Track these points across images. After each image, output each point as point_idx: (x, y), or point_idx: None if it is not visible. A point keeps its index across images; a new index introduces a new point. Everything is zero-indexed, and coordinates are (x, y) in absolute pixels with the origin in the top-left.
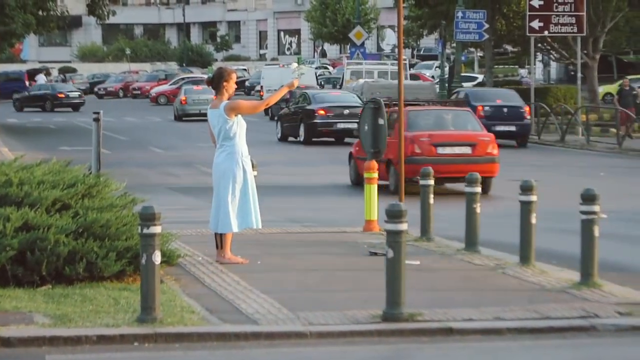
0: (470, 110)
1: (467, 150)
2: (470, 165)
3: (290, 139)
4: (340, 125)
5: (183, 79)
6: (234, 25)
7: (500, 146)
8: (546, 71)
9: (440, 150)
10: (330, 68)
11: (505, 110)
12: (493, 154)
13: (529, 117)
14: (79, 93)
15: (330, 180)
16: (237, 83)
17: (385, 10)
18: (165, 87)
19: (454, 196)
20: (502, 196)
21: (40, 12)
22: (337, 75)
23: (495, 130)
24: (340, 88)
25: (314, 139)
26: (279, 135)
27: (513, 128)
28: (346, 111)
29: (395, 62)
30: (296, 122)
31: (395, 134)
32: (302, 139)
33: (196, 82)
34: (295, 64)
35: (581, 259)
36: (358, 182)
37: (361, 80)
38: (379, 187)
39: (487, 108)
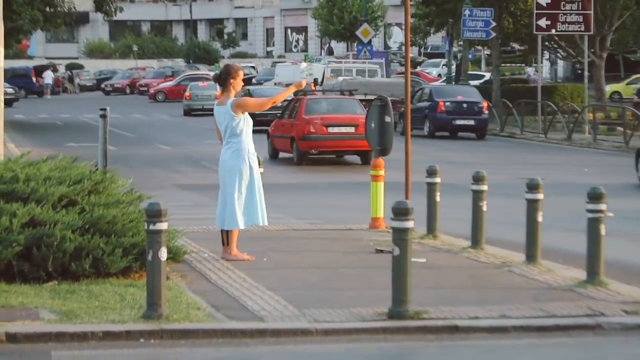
0: (355, 98)
1: (350, 129)
2: (352, 141)
3: None
4: (271, 117)
5: (187, 76)
6: (241, 22)
7: (462, 139)
8: (553, 69)
9: (330, 129)
10: None
11: (464, 105)
12: None
13: (486, 112)
14: (13, 90)
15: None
16: (244, 80)
17: (393, 7)
18: (163, 85)
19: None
20: (508, 194)
21: (47, 9)
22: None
23: (455, 124)
24: (321, 85)
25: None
26: None
27: (472, 122)
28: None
29: (373, 61)
30: None
31: (298, 117)
32: None
33: (196, 79)
34: (305, 64)
35: (587, 258)
36: (274, 156)
37: (340, 78)
38: (284, 159)
39: (447, 103)
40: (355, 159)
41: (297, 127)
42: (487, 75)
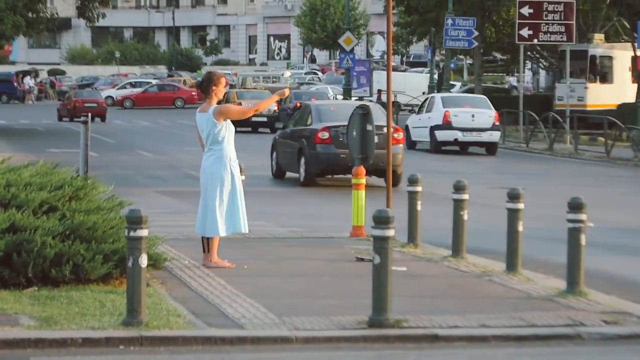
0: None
1: (94, 105)
2: (95, 110)
3: None
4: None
5: (130, 82)
6: (224, 29)
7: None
8: (535, 79)
9: (87, 105)
10: (320, 74)
11: None
12: (105, 105)
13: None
14: None
15: None
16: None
17: (375, 16)
18: (128, 91)
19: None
20: (489, 204)
21: (29, 14)
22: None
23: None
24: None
25: None
26: None
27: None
28: None
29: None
30: None
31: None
32: None
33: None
34: (289, 73)
35: (567, 267)
36: (59, 119)
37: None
38: None
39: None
40: None
41: (70, 104)
42: (458, 85)
